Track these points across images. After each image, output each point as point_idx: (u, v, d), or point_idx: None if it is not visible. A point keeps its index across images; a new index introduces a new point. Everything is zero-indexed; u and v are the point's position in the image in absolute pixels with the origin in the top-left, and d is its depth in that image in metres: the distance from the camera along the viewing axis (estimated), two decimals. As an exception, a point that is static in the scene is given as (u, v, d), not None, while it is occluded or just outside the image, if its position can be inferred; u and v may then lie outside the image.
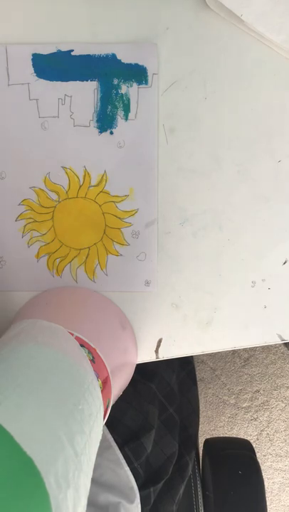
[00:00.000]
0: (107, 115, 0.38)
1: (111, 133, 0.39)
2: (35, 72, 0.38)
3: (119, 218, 0.40)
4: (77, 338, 0.34)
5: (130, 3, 0.37)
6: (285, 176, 0.39)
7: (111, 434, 0.49)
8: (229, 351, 1.20)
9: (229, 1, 0.35)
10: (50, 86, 0.38)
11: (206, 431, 1.20)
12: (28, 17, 0.37)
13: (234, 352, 1.20)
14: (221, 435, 1.20)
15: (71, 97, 0.38)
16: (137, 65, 0.37)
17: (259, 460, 0.61)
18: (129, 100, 0.38)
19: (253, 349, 1.20)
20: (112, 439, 0.49)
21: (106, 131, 0.39)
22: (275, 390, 1.20)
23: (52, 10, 0.37)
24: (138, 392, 0.54)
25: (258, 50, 0.37)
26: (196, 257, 0.41)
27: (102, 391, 0.32)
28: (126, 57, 0.37)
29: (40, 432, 0.23)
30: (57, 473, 0.21)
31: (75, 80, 0.38)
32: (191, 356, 0.67)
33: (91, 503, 0.44)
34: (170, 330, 0.42)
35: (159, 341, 0.42)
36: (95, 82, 0.38)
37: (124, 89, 0.38)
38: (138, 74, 0.38)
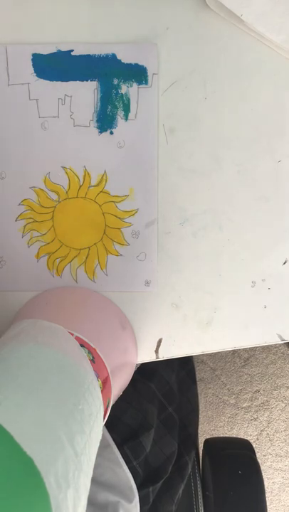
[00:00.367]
0: (107, 115, 0.38)
1: (111, 133, 0.39)
2: (35, 72, 0.38)
3: (119, 218, 0.40)
4: (77, 338, 0.34)
5: (130, 4, 0.37)
6: (285, 176, 0.39)
7: (110, 433, 0.49)
8: (229, 351, 1.20)
9: (229, 1, 0.35)
10: (50, 86, 0.38)
11: (206, 431, 1.20)
12: (28, 17, 0.37)
13: (234, 352, 1.20)
14: (221, 435, 1.20)
15: (71, 97, 0.38)
16: (137, 65, 0.37)
17: (259, 460, 0.61)
18: (129, 100, 0.38)
19: (253, 349, 1.20)
20: (110, 437, 0.49)
21: (106, 131, 0.39)
22: (275, 390, 1.20)
23: (52, 10, 0.37)
24: (137, 391, 0.54)
25: (258, 50, 0.37)
26: (196, 257, 0.41)
27: (102, 391, 0.32)
28: (126, 57, 0.37)
29: (40, 431, 0.23)
30: (57, 473, 0.21)
31: (75, 80, 0.38)
32: (191, 356, 0.67)
33: (90, 502, 0.44)
34: (170, 330, 0.42)
35: (159, 341, 0.42)
36: (95, 82, 0.38)
37: (124, 89, 0.38)
38: (138, 74, 0.38)
